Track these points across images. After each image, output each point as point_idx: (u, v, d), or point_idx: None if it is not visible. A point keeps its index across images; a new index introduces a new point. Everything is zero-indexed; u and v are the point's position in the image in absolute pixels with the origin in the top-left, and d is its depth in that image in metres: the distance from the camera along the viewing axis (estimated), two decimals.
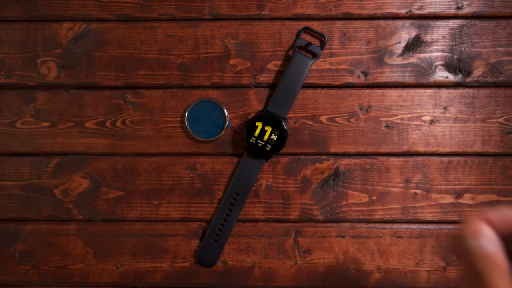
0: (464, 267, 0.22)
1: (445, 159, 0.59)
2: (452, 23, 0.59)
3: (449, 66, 0.59)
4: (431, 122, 0.59)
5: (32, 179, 0.61)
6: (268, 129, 0.48)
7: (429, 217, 0.59)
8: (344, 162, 0.59)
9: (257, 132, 0.48)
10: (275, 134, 0.48)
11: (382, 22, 0.59)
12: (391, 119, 0.59)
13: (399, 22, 0.59)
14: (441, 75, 0.59)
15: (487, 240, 0.21)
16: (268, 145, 0.48)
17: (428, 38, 0.59)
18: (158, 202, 0.60)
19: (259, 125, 0.48)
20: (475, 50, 0.59)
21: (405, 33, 0.59)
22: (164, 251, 0.60)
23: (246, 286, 0.60)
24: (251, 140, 0.48)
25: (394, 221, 0.59)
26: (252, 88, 0.59)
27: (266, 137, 0.48)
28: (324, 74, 0.59)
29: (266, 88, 0.59)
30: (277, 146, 0.50)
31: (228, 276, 0.60)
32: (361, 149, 0.59)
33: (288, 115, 0.59)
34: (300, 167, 0.59)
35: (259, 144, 0.49)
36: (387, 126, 0.59)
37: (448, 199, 0.59)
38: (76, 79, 0.60)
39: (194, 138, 0.59)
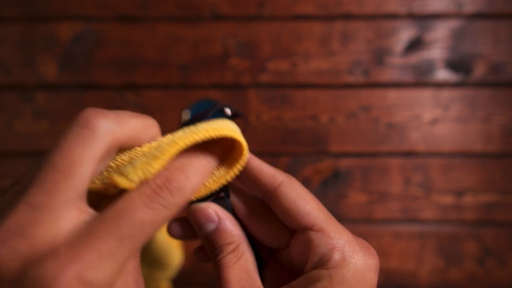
0: None
1: (446, 159, 0.59)
2: (453, 22, 0.59)
3: (450, 66, 0.59)
4: (432, 122, 0.59)
5: None
6: None
7: (429, 217, 0.59)
8: (344, 162, 0.59)
9: None
10: None
11: (382, 22, 0.59)
12: (391, 119, 0.59)
13: (399, 22, 0.59)
14: (442, 74, 0.59)
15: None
16: None
17: (428, 37, 0.59)
18: None
19: None
20: (476, 49, 0.59)
21: (405, 33, 0.59)
22: None
23: None
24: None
25: (394, 221, 0.59)
26: (252, 88, 0.59)
27: None
28: (324, 74, 0.59)
29: (266, 88, 0.59)
30: None
31: None
32: (361, 149, 0.59)
33: (287, 114, 0.59)
34: (300, 166, 0.59)
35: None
36: (387, 126, 0.59)
37: (449, 199, 0.59)
38: (76, 79, 0.60)
39: None
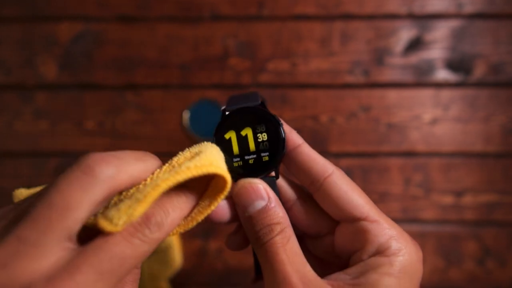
0: None
1: (446, 159, 0.59)
2: (453, 22, 0.59)
3: (450, 66, 0.59)
4: (432, 122, 0.59)
5: (31, 179, 0.61)
6: (247, 132, 0.27)
7: (429, 217, 0.59)
8: (344, 162, 0.59)
9: (235, 148, 0.27)
10: (261, 133, 0.27)
11: (382, 22, 0.59)
12: (391, 119, 0.59)
13: (399, 22, 0.59)
14: (442, 74, 0.59)
15: None
16: (263, 154, 0.26)
17: (428, 37, 0.59)
18: None
19: (232, 135, 0.27)
20: (476, 49, 0.59)
21: (405, 33, 0.59)
22: None
23: (246, 286, 0.60)
24: (235, 164, 0.27)
25: (394, 221, 0.59)
26: (252, 88, 0.59)
27: (252, 145, 0.27)
28: (324, 74, 0.59)
29: (266, 88, 0.59)
30: (276, 145, 0.26)
31: (228, 276, 0.60)
32: (361, 149, 0.59)
33: (287, 114, 0.59)
34: None
35: (250, 161, 0.27)
36: (387, 126, 0.59)
37: (449, 199, 0.59)
38: (76, 79, 0.60)
39: (194, 138, 0.59)
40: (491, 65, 0.58)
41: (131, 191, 0.20)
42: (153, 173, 0.21)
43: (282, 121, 0.26)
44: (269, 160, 0.26)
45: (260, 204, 0.24)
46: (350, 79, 0.59)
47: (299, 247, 0.24)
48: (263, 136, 0.27)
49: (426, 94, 0.59)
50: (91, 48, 0.60)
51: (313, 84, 0.59)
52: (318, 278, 0.22)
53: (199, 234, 0.60)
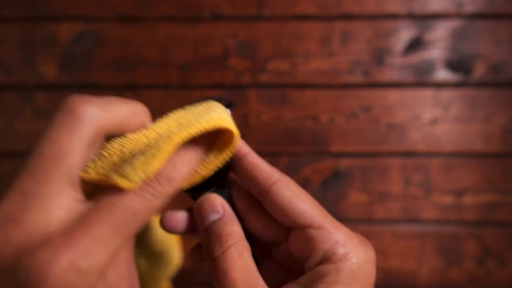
0: None
1: (446, 159, 0.59)
2: (453, 22, 0.59)
3: (450, 66, 0.59)
4: (432, 122, 0.59)
5: None
6: None
7: (429, 217, 0.59)
8: (344, 162, 0.59)
9: None
10: None
11: (382, 22, 0.59)
12: (391, 119, 0.59)
13: (399, 22, 0.59)
14: (442, 74, 0.59)
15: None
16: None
17: (428, 37, 0.59)
18: None
19: None
20: (476, 49, 0.59)
21: (405, 33, 0.59)
22: None
23: None
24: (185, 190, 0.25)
25: (394, 221, 0.59)
26: (252, 88, 0.59)
27: None
28: (324, 74, 0.59)
29: (266, 88, 0.59)
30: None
31: None
32: (361, 149, 0.59)
33: (287, 114, 0.59)
34: (300, 166, 0.59)
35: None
36: (387, 126, 0.59)
37: (449, 199, 0.59)
38: (76, 79, 0.60)
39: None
40: (491, 65, 0.58)
41: (130, 139, 0.20)
42: (155, 125, 0.21)
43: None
44: (213, 175, 0.25)
45: (214, 216, 0.24)
46: (350, 79, 0.59)
47: (253, 261, 0.23)
48: None
49: (426, 94, 0.59)
50: (91, 48, 0.60)
51: (313, 84, 0.59)
52: None
53: None
